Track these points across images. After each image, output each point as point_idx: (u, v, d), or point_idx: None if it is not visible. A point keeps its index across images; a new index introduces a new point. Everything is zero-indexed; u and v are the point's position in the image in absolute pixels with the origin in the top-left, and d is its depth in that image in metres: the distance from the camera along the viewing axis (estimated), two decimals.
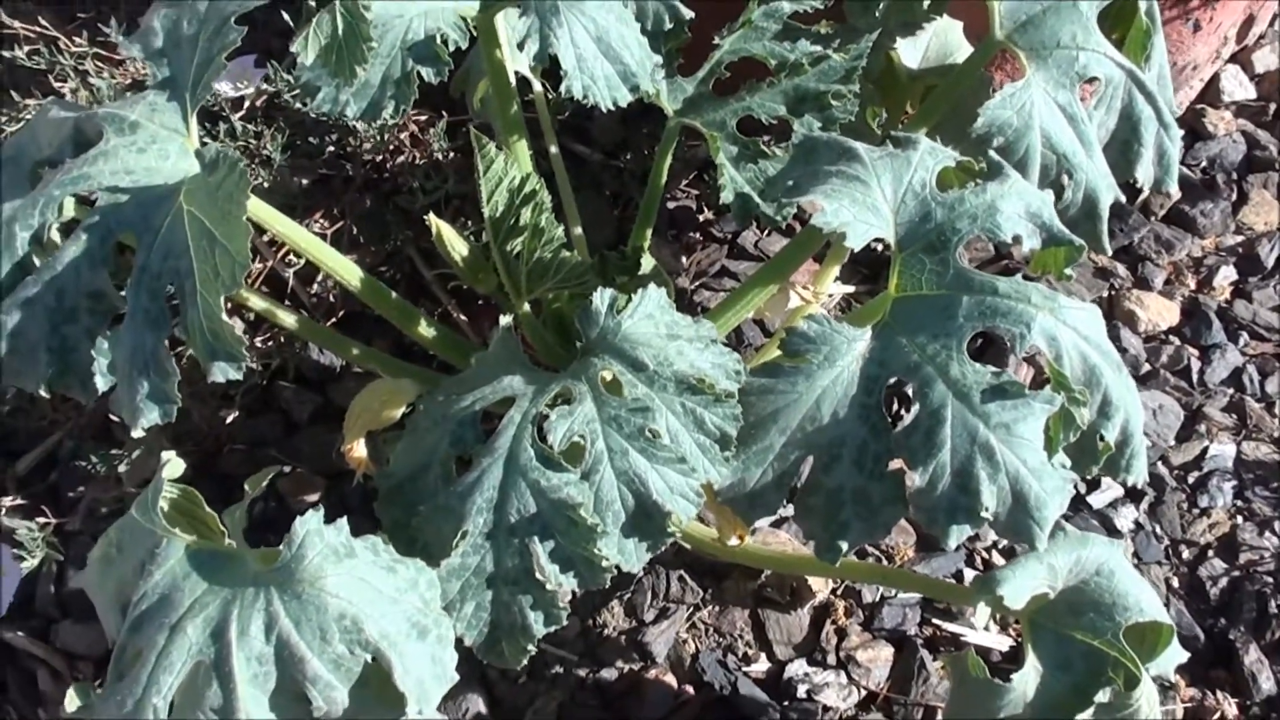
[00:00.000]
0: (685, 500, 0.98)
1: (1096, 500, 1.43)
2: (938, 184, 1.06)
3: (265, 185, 1.50)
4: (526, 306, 1.19)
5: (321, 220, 1.57)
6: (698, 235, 1.60)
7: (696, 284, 1.57)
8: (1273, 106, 1.73)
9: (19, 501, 1.45)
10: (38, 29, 1.59)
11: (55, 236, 1.08)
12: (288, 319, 1.23)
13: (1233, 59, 1.76)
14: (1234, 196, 1.65)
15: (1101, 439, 1.03)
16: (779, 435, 1.03)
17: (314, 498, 1.45)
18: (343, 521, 0.93)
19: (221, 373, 0.98)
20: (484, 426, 1.03)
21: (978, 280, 1.01)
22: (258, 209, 1.11)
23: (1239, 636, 1.35)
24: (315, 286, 1.52)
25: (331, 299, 1.52)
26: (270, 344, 1.48)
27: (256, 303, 1.22)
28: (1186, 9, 1.55)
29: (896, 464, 1.02)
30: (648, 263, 1.23)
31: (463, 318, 1.52)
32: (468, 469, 1.00)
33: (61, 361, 1.05)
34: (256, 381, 1.47)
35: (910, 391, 1.01)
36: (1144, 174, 1.26)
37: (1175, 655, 1.10)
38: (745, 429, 1.02)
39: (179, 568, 0.94)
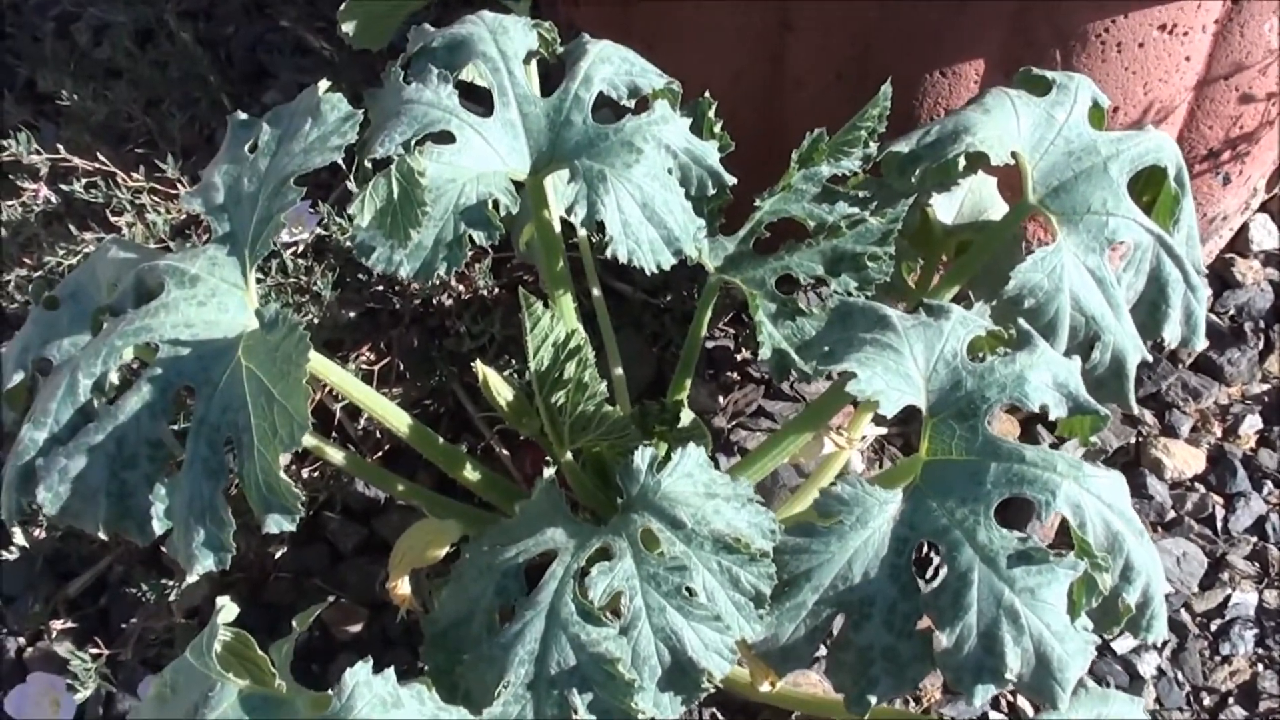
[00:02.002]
0: (720, 657, 1.01)
1: (1120, 646, 1.45)
2: (969, 350, 1.11)
3: (315, 320, 1.55)
4: (569, 455, 1.23)
5: (369, 354, 1.61)
6: (735, 375, 1.64)
7: (733, 423, 1.60)
8: None
9: (69, 625, 1.49)
10: (95, 163, 1.65)
11: (115, 380, 1.13)
12: (335, 455, 1.27)
13: (1262, 208, 1.80)
14: (1261, 345, 1.68)
15: (1123, 601, 1.06)
16: (812, 593, 1.06)
17: (357, 628, 1.48)
18: (390, 671, 0.96)
19: (276, 525, 1.02)
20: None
21: (1005, 448, 1.05)
22: (314, 362, 1.16)
23: None
24: (362, 420, 1.56)
25: (378, 434, 1.56)
26: (317, 476, 1.52)
27: (305, 439, 1.25)
28: (1217, 163, 1.60)
29: (925, 622, 1.05)
30: (686, 415, 1.26)
31: (505, 452, 1.56)
32: (511, 619, 1.03)
33: (120, 505, 1.08)
34: (304, 513, 1.50)
35: (939, 554, 1.04)
36: (1171, 333, 1.29)
37: None
38: (779, 585, 1.05)
39: (232, 712, 0.98)
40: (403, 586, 1.32)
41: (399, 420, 1.23)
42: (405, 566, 1.32)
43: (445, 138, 1.14)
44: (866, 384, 1.04)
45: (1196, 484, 1.58)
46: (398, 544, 1.33)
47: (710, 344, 1.65)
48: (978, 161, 1.29)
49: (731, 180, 1.17)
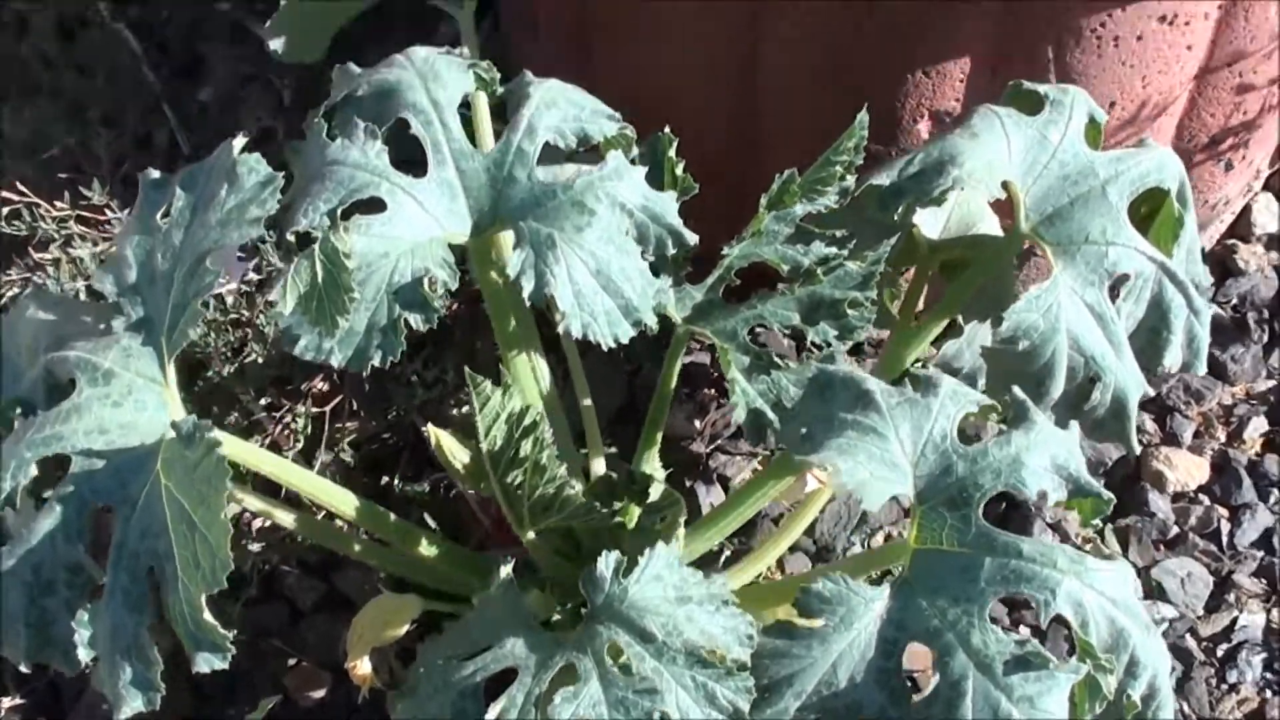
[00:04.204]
0: None
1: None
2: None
3: (260, 360, 1.45)
4: (531, 534, 1.14)
5: (321, 384, 1.52)
6: (712, 392, 1.54)
7: (711, 448, 1.51)
8: None
9: (18, 701, 1.41)
10: (16, 192, 1.54)
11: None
12: (285, 518, 1.18)
13: (1265, 187, 1.69)
14: (1265, 338, 1.59)
15: (1129, 697, 0.98)
16: (794, 699, 0.98)
17: (321, 693, 1.40)
18: None
19: (206, 663, 0.93)
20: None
21: (1001, 541, 0.96)
22: (244, 453, 1.06)
23: None
24: (316, 467, 1.47)
25: (330, 477, 1.47)
26: (269, 528, 1.43)
27: (253, 503, 1.17)
28: (1218, 150, 1.49)
29: None
30: (657, 487, 1.17)
31: (471, 491, 1.47)
32: None
33: (42, 634, 1.00)
34: (258, 569, 1.42)
35: (930, 658, 0.96)
36: (1172, 359, 1.20)
37: None
38: (760, 691, 0.97)
39: None
40: (362, 666, 1.24)
41: (345, 503, 1.14)
42: (364, 646, 1.24)
43: (375, 202, 1.03)
44: (849, 476, 0.95)
45: (1200, 495, 1.50)
46: (354, 622, 1.24)
47: (686, 359, 1.55)
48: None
49: (694, 239, 1.06)
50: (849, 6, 1.29)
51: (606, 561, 0.97)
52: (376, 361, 1.00)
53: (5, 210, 1.55)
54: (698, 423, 1.53)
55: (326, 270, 0.98)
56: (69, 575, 0.99)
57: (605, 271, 1.01)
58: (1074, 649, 0.98)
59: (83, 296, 1.51)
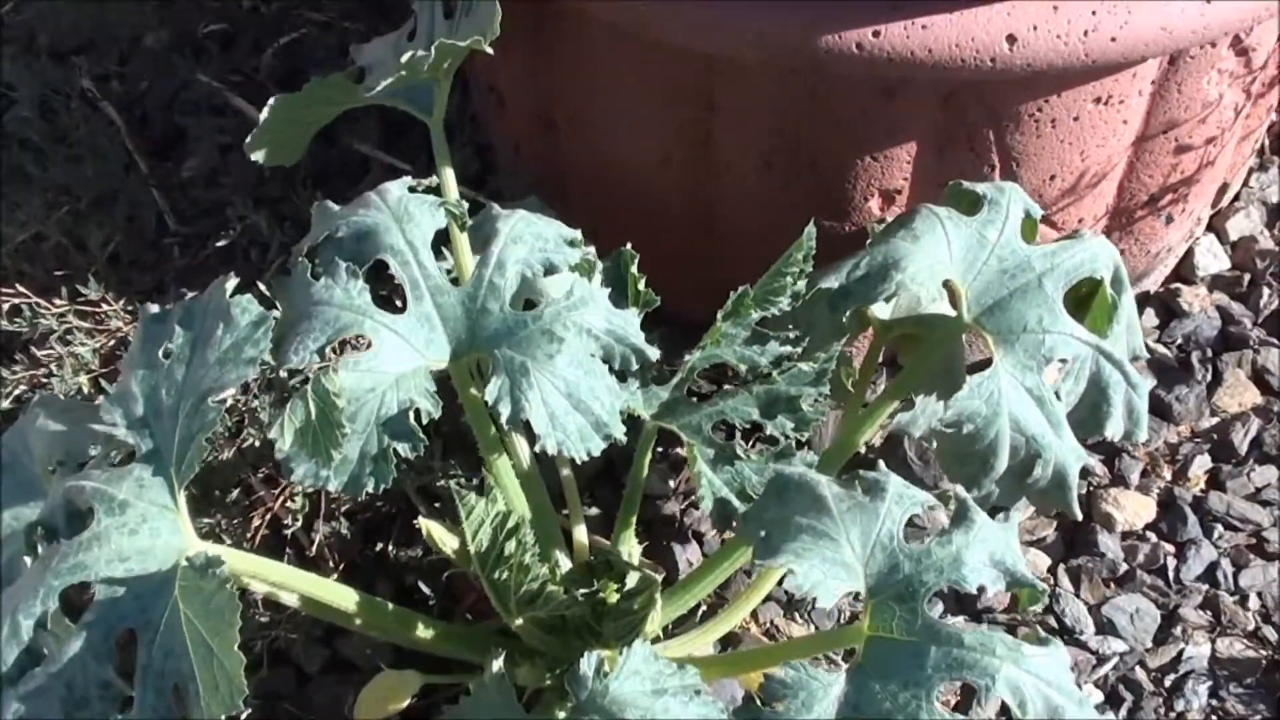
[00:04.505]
0: None
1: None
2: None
3: (256, 443, 1.54)
4: (519, 621, 1.23)
5: None
6: (683, 452, 1.63)
7: (685, 504, 1.60)
8: (1247, 276, 1.75)
9: None
10: (15, 292, 1.62)
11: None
12: (291, 599, 1.27)
13: (1208, 228, 1.78)
14: (1208, 377, 1.68)
15: None
16: None
17: None
18: None
19: None
20: None
21: (945, 632, 1.05)
22: (252, 567, 1.16)
23: None
24: (317, 538, 1.56)
25: (328, 550, 1.56)
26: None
27: (259, 587, 1.26)
28: (1158, 207, 1.58)
29: None
30: (633, 577, 1.26)
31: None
32: None
33: None
34: (266, 641, 1.51)
35: None
36: (1113, 430, 1.29)
37: None
38: None
39: None
40: None
41: (347, 600, 1.23)
42: (373, 717, 1.34)
43: (360, 338, 1.11)
44: (804, 579, 1.04)
45: (1148, 533, 1.59)
46: (360, 698, 1.34)
47: None
48: None
49: (656, 354, 1.15)
50: (798, 94, 1.37)
51: (589, 661, 1.06)
52: (370, 488, 1.09)
53: (6, 307, 1.64)
54: (671, 481, 1.62)
55: (319, 408, 1.07)
56: (100, 691, 1.08)
57: (575, 393, 1.10)
58: None
59: (85, 389, 1.60)
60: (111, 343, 1.62)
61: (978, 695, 1.07)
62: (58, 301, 1.62)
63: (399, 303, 1.18)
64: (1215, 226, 1.79)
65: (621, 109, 1.48)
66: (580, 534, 1.43)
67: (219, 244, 1.85)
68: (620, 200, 1.57)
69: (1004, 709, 1.45)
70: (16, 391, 1.58)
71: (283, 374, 1.43)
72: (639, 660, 1.08)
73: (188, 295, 1.73)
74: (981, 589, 1.06)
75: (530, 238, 1.15)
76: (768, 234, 1.45)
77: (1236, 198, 1.81)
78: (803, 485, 1.11)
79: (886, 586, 1.07)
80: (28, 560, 1.22)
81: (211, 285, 1.17)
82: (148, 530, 1.11)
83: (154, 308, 1.21)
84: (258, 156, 1.42)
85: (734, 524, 1.24)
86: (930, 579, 1.06)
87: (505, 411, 1.09)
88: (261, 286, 1.63)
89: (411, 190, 1.18)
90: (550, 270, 1.15)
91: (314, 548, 1.56)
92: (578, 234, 1.21)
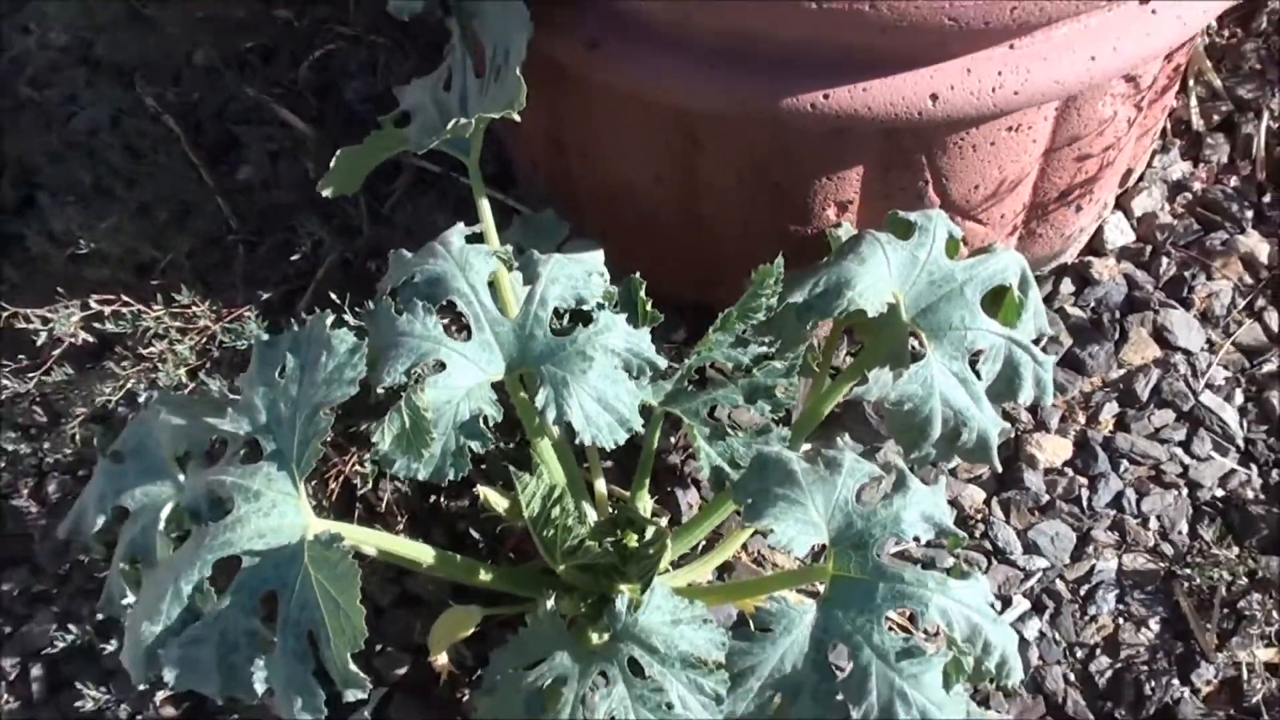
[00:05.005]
0: None
1: (1008, 616, 1.82)
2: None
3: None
4: (562, 567, 1.57)
5: None
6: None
7: (685, 457, 1.94)
8: (1149, 248, 2.08)
9: (169, 711, 1.85)
10: (116, 295, 1.92)
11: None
12: (369, 549, 1.60)
13: (1116, 207, 2.10)
14: (1116, 336, 2.01)
15: (985, 668, 1.42)
16: (756, 681, 1.41)
17: (404, 670, 1.85)
18: None
19: (353, 694, 1.37)
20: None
21: (890, 571, 1.39)
22: (361, 536, 1.49)
23: (1121, 717, 1.76)
24: (385, 496, 1.89)
25: (395, 505, 1.90)
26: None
27: (346, 542, 1.59)
28: (1068, 200, 1.89)
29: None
30: (650, 530, 1.60)
31: None
32: None
33: (230, 678, 1.41)
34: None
35: (846, 651, 1.40)
36: (1025, 398, 1.62)
37: None
38: (732, 679, 1.41)
39: None
40: (441, 659, 1.69)
41: (424, 554, 1.57)
42: (442, 645, 1.69)
43: (437, 364, 1.44)
44: (782, 535, 1.38)
45: (1065, 469, 1.93)
46: (434, 628, 1.69)
47: None
48: None
49: (664, 363, 1.48)
50: (763, 132, 1.67)
51: (621, 601, 1.41)
52: (451, 476, 1.42)
53: (108, 311, 1.95)
54: (672, 439, 1.95)
55: (411, 418, 1.39)
56: (248, 638, 1.41)
57: (604, 398, 1.43)
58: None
59: (184, 381, 1.92)
60: (203, 340, 1.93)
61: (919, 619, 1.39)
62: (155, 308, 1.92)
63: (458, 330, 1.50)
64: (1122, 205, 2.11)
65: (621, 142, 1.78)
66: (600, 486, 1.77)
67: (277, 243, 2.16)
68: (623, 209, 1.88)
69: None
70: (129, 384, 1.90)
71: None
72: (660, 598, 1.42)
73: (261, 296, 2.07)
74: (916, 539, 1.41)
75: (564, 278, 1.47)
76: (743, 234, 1.79)
77: (1141, 178, 2.13)
78: (779, 462, 1.44)
79: (844, 539, 1.41)
80: (160, 529, 1.56)
81: (312, 319, 1.48)
82: (277, 513, 1.44)
83: (265, 336, 1.53)
84: (327, 192, 1.72)
85: (726, 485, 1.58)
86: (877, 532, 1.40)
87: (551, 414, 1.42)
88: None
89: (468, 240, 1.50)
90: (580, 303, 1.48)
91: (383, 505, 1.90)
92: (601, 264, 1.53)
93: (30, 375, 1.93)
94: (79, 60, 2.41)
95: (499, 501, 1.66)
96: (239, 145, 2.29)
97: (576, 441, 1.44)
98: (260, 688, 1.42)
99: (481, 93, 1.67)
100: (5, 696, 1.94)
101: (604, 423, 1.44)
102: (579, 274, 1.49)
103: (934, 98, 1.54)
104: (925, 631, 1.78)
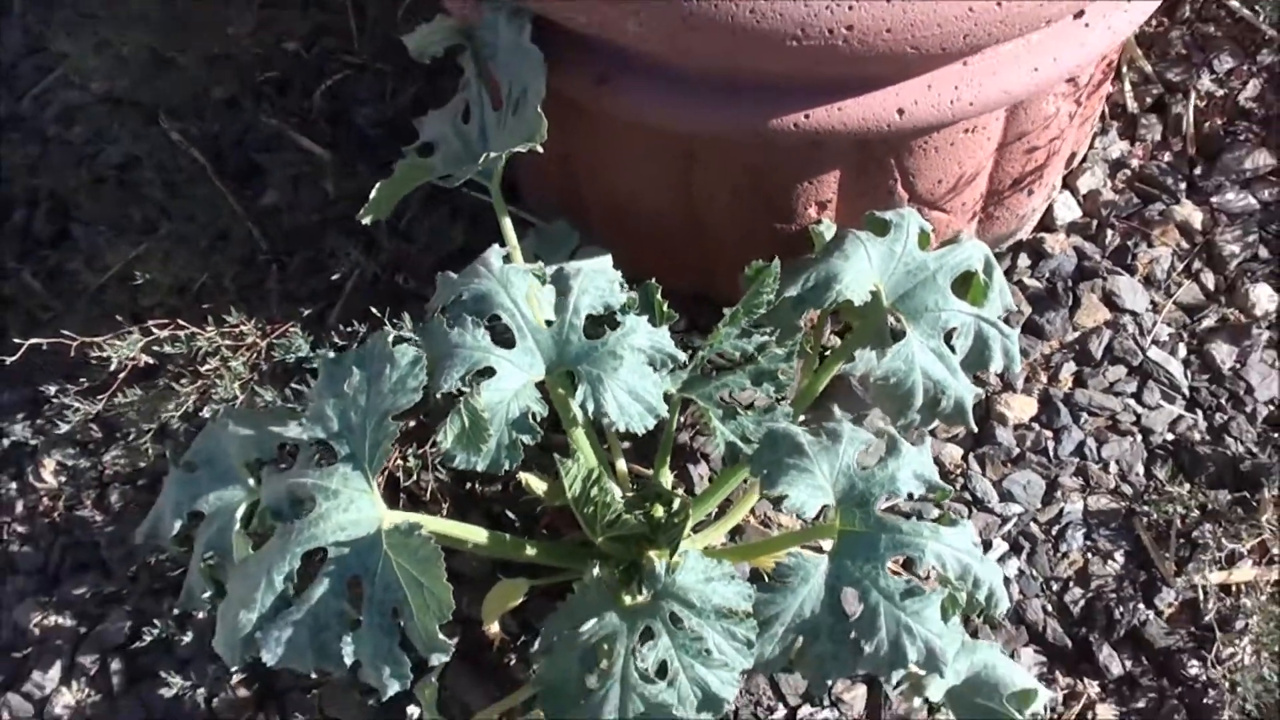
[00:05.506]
0: (730, 687, 1.59)
1: (990, 557, 2.06)
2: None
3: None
4: (600, 539, 1.79)
5: (412, 421, 2.15)
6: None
7: (694, 432, 2.16)
8: (1095, 222, 2.32)
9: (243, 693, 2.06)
10: (170, 319, 2.11)
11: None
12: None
13: (1064, 187, 2.33)
14: (1070, 302, 2.24)
15: (976, 600, 1.66)
16: (780, 626, 1.63)
17: (455, 640, 2.05)
18: None
19: (437, 659, 1.58)
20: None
21: (889, 523, 1.62)
22: (427, 524, 1.70)
23: (1095, 640, 2.00)
24: (430, 484, 2.09)
25: (439, 493, 2.10)
26: None
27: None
28: (1020, 186, 2.12)
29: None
30: (675, 501, 1.81)
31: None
32: (598, 684, 1.61)
33: (321, 654, 1.60)
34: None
35: (857, 595, 1.62)
36: (995, 367, 1.85)
37: (1042, 700, 1.76)
38: (759, 625, 1.63)
39: None
40: (494, 628, 1.92)
41: (478, 535, 1.78)
42: (494, 615, 1.91)
43: (487, 369, 1.65)
44: (795, 500, 1.60)
45: (1032, 424, 2.17)
46: (486, 601, 1.90)
47: None
48: None
49: (684, 356, 1.70)
50: (752, 148, 1.89)
51: (659, 564, 1.63)
52: (507, 466, 1.63)
53: (164, 334, 2.14)
54: (682, 418, 2.17)
55: (470, 419, 1.61)
56: (338, 619, 1.61)
57: (634, 390, 1.65)
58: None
59: (239, 395, 2.11)
60: (253, 356, 2.13)
61: (916, 563, 1.62)
62: (207, 327, 2.12)
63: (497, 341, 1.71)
64: (1069, 184, 2.34)
65: (625, 161, 1.99)
66: (621, 465, 1.99)
67: (305, 261, 2.36)
68: (628, 218, 2.09)
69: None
70: (190, 401, 2.10)
71: None
72: (693, 560, 1.64)
73: (302, 311, 2.26)
74: (910, 495, 1.64)
75: (593, 289, 1.69)
76: (737, 234, 2.01)
77: (1084, 159, 2.36)
78: (787, 436, 1.67)
79: (849, 499, 1.64)
80: (236, 529, 1.76)
81: (373, 337, 1.69)
82: (355, 508, 1.64)
83: (331, 354, 1.73)
84: (367, 220, 1.92)
85: (740, 458, 1.80)
86: (876, 490, 1.63)
87: (590, 407, 1.64)
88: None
89: (505, 260, 1.71)
90: (609, 310, 1.69)
91: (427, 494, 2.11)
92: (611, 268, 1.75)
93: (99, 396, 2.12)
94: (103, 99, 2.59)
95: (538, 485, 1.88)
96: (261, 172, 2.48)
97: (611, 429, 1.65)
98: (349, 660, 1.63)
99: (500, 125, 1.87)
100: (86, 691, 2.14)
101: (635, 412, 1.65)
102: (605, 284, 1.71)
103: (900, 112, 1.76)
104: (917, 575, 2.01)
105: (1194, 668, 1.96)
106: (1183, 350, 2.22)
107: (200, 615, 2.09)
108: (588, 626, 1.65)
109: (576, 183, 2.12)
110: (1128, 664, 1.98)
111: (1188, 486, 2.09)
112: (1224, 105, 2.37)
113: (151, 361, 2.14)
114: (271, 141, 2.50)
